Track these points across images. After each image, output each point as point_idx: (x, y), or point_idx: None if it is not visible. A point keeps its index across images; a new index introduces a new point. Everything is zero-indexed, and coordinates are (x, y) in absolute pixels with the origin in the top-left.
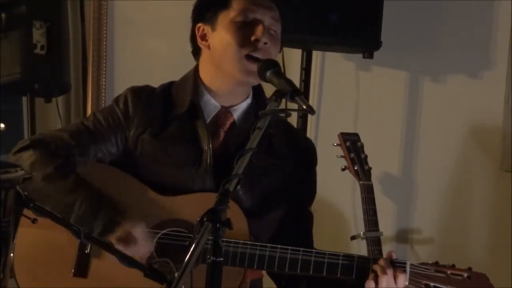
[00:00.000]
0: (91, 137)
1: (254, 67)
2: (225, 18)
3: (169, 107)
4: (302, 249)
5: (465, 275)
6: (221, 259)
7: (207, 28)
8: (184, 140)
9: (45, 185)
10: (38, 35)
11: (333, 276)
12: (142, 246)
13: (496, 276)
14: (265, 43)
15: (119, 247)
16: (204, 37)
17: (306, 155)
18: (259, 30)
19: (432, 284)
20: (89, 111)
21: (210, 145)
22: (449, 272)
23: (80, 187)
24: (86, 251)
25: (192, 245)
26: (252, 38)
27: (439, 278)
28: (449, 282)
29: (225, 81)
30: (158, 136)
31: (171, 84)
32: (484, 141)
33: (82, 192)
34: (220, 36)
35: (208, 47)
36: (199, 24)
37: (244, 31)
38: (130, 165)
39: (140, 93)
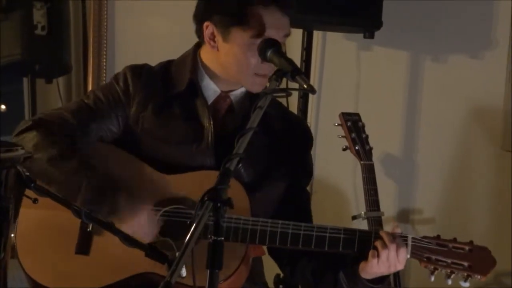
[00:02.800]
0: (92, 115)
1: (262, 81)
2: (241, 36)
3: (168, 86)
4: (303, 224)
5: (467, 248)
6: (222, 238)
7: (217, 33)
8: (184, 117)
9: (50, 167)
10: (39, 15)
11: (335, 250)
12: (148, 229)
13: (496, 255)
14: None
15: (125, 229)
16: (212, 38)
17: (303, 136)
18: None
19: (434, 257)
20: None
21: (211, 122)
22: (451, 245)
23: (85, 169)
24: (88, 229)
25: (193, 224)
26: (263, 63)
27: (441, 251)
28: (451, 255)
29: (228, 79)
30: (159, 113)
31: (169, 62)
32: (485, 120)
33: (87, 174)
34: (233, 51)
35: (217, 48)
36: (207, 23)
37: (255, 49)
38: (131, 143)
39: (139, 71)
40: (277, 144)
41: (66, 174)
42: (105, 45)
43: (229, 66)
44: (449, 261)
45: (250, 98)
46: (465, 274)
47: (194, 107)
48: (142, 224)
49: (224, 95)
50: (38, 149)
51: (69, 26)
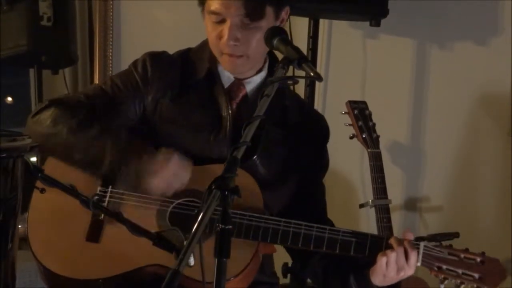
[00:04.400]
0: (109, 101)
1: (233, 61)
2: (206, 9)
3: (187, 74)
4: (316, 225)
5: (478, 259)
6: (230, 226)
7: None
8: (203, 106)
9: (71, 136)
10: (45, 6)
11: (345, 253)
12: (182, 171)
13: (504, 243)
14: (235, 43)
15: (158, 182)
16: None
17: (320, 130)
18: (224, 32)
19: (445, 266)
20: (96, 82)
21: (230, 111)
22: (462, 255)
23: (107, 132)
24: (99, 217)
25: (201, 213)
26: (221, 41)
27: (452, 261)
28: (462, 266)
29: None
30: (177, 101)
31: (188, 50)
32: (492, 108)
33: (111, 137)
34: (206, 24)
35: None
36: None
37: (217, 29)
38: (148, 132)
39: (159, 58)
40: (294, 137)
41: (89, 140)
42: (111, 35)
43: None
44: (459, 271)
45: None
46: (475, 285)
47: (213, 96)
48: (177, 167)
49: (238, 83)
50: (57, 122)
51: (75, 16)
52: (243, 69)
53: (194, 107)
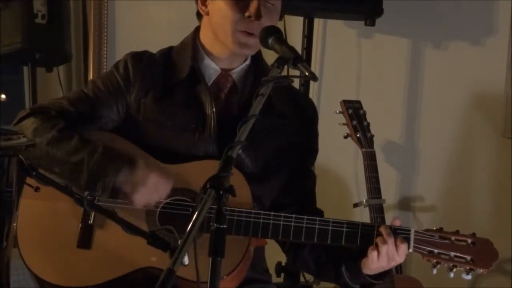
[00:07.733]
0: (91, 105)
1: (248, 40)
2: None
3: (170, 72)
4: (306, 217)
5: (469, 240)
6: (225, 226)
7: None
8: (186, 105)
9: (51, 149)
10: (39, 4)
11: (337, 243)
12: (161, 187)
13: (497, 242)
14: (259, 20)
15: (140, 197)
16: (204, 2)
17: (307, 112)
18: (253, 7)
19: (436, 251)
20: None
21: (214, 109)
22: (453, 238)
23: (85, 145)
24: (89, 222)
25: (195, 212)
26: (246, 15)
27: (443, 245)
28: (453, 248)
29: (222, 48)
30: (160, 101)
31: (170, 49)
32: (486, 108)
33: (89, 150)
34: (218, 5)
35: (207, 13)
36: None
37: (240, 4)
38: (132, 131)
39: (140, 58)
40: (281, 125)
41: (68, 153)
42: (105, 33)
43: (217, 27)
44: (451, 254)
45: (254, 72)
46: (468, 267)
47: (196, 94)
48: (156, 181)
49: (225, 74)
50: (37, 134)
51: (69, 14)
52: (252, 50)
53: (178, 106)
